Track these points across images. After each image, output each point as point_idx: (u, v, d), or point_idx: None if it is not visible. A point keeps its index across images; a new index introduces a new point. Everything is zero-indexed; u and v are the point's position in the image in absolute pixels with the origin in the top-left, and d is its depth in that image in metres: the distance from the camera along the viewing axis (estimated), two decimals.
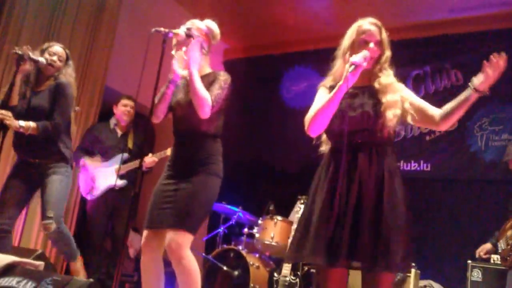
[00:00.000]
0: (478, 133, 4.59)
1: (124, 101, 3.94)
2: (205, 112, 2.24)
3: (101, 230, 3.82)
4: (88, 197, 3.81)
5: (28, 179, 2.94)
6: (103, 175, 3.79)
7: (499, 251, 3.43)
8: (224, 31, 2.58)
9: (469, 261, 3.67)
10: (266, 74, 6.03)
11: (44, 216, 2.84)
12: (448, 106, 1.87)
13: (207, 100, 2.24)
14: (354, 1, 4.70)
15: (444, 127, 1.91)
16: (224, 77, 2.36)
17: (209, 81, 2.35)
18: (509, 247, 3.32)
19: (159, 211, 2.26)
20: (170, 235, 2.19)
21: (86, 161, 3.81)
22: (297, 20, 5.50)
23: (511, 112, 4.45)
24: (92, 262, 3.67)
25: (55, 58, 3.01)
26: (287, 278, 3.73)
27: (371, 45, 1.93)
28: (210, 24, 2.46)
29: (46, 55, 2.99)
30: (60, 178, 2.93)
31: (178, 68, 2.32)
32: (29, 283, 1.44)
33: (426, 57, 5.02)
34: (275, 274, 3.81)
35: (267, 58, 6.09)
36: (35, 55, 2.91)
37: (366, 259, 1.72)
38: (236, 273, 4.00)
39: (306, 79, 5.60)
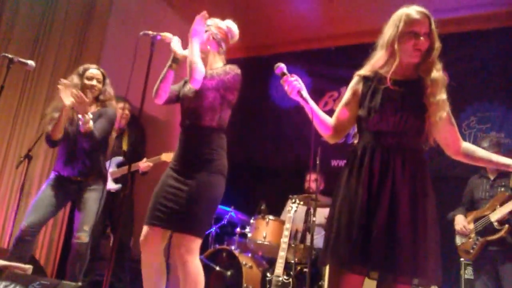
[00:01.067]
0: (466, 131, 4.62)
1: (121, 104, 3.89)
2: (195, 80, 2.22)
3: (96, 232, 3.79)
4: None
5: (66, 194, 3.02)
6: None
7: (458, 245, 3.57)
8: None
9: (462, 259, 3.68)
10: (257, 74, 6.02)
11: (80, 229, 2.90)
12: (480, 153, 1.89)
13: (201, 69, 2.23)
14: (341, 3, 4.70)
15: (458, 158, 1.91)
16: (233, 66, 2.36)
17: (219, 70, 2.33)
18: (471, 240, 3.46)
19: (162, 208, 2.21)
20: (179, 240, 2.15)
21: None
22: (287, 21, 5.49)
23: (498, 111, 4.49)
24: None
25: (94, 82, 3.08)
26: (280, 278, 3.71)
27: (421, 38, 1.78)
28: (230, 25, 2.48)
29: (85, 81, 3.06)
30: (97, 197, 2.99)
31: (178, 48, 2.34)
32: (17, 287, 1.41)
33: None
34: (268, 274, 3.79)
35: (258, 59, 6.08)
36: (72, 80, 3.02)
37: (401, 272, 1.65)
38: (228, 273, 3.98)
39: None
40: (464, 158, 1.88)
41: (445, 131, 1.86)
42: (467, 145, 1.90)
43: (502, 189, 3.50)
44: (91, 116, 2.89)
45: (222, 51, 2.43)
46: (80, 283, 1.46)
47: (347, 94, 1.95)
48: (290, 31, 5.58)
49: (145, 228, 2.25)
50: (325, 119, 1.96)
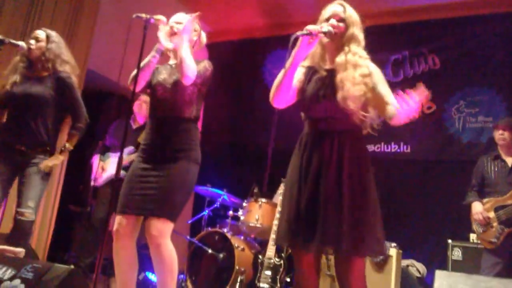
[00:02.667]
0: (455, 115, 4.65)
1: (146, 98, 3.92)
2: (188, 77, 2.24)
3: (103, 217, 3.85)
4: (97, 184, 3.92)
5: (9, 165, 2.80)
6: (111, 166, 3.88)
7: (479, 234, 3.41)
8: (207, 14, 2.54)
9: (450, 241, 3.72)
10: (249, 57, 5.97)
11: (24, 205, 2.70)
12: None
13: (194, 67, 2.25)
14: None
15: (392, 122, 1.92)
16: (208, 62, 2.42)
17: (200, 67, 2.36)
18: (493, 229, 3.32)
19: (136, 197, 2.23)
20: (153, 222, 2.17)
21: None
22: (280, 3, 5.42)
23: (486, 95, 4.52)
24: (90, 247, 3.76)
25: (32, 41, 2.91)
26: (272, 260, 3.73)
27: (332, 20, 1.92)
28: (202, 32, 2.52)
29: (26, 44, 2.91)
30: (44, 173, 2.79)
31: (164, 39, 2.32)
32: (9, 270, 1.39)
33: (404, 42, 5.04)
34: (260, 256, 3.81)
35: (250, 41, 6.02)
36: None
37: (335, 243, 1.74)
38: (221, 255, 3.99)
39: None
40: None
41: (373, 103, 1.90)
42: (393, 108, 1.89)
43: None
44: (72, 143, 2.84)
45: (192, 44, 2.46)
46: (72, 266, 1.44)
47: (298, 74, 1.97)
48: (285, 13, 5.51)
49: (118, 218, 2.26)
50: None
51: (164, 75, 2.38)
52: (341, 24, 1.92)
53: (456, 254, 3.70)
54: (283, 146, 5.30)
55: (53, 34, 2.98)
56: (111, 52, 4.37)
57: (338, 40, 1.92)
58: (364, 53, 1.93)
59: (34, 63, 2.92)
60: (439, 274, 2.91)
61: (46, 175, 2.81)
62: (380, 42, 5.18)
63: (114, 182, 2.14)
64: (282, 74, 1.85)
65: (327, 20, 1.94)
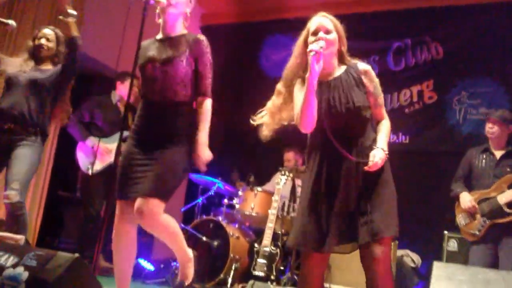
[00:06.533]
0: (456, 106, 4.69)
1: (129, 80, 3.93)
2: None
3: (101, 206, 3.89)
4: (90, 172, 3.86)
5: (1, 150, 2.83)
6: (105, 152, 3.86)
7: (461, 226, 3.48)
8: None
9: (445, 232, 3.79)
10: (245, 42, 5.92)
11: (8, 187, 2.72)
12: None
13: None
14: None
15: None
16: (204, 38, 2.33)
17: (187, 40, 2.28)
18: (476, 221, 3.39)
19: (134, 180, 2.19)
20: (141, 202, 2.10)
21: (94, 141, 3.90)
22: None
23: (488, 86, 4.55)
24: (90, 236, 3.77)
25: (42, 41, 3.05)
26: (268, 249, 3.78)
27: (321, 33, 1.98)
28: None
29: (35, 42, 3.07)
30: (31, 152, 2.83)
31: None
32: (11, 257, 1.40)
33: (407, 29, 5.01)
34: (256, 245, 3.85)
35: (246, 25, 5.97)
36: (27, 44, 3.10)
37: (352, 237, 1.86)
38: (215, 243, 4.03)
39: (286, 48, 5.52)
40: None
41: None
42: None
43: (508, 169, 3.40)
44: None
45: (187, 16, 2.39)
46: (77, 254, 1.45)
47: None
48: None
49: (118, 203, 2.24)
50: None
51: (153, 52, 2.28)
52: (331, 36, 2.00)
53: (452, 245, 3.77)
54: (279, 134, 5.35)
55: (61, 34, 3.12)
56: (106, 35, 4.32)
57: (333, 52, 2.02)
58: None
59: (42, 59, 3.07)
60: (436, 265, 2.98)
61: (36, 157, 2.84)
62: (382, 29, 5.20)
63: (113, 169, 2.14)
64: (305, 100, 1.91)
65: (314, 33, 2.00)
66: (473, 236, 3.40)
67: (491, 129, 3.53)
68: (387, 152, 1.92)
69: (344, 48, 2.06)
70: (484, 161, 3.53)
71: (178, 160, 2.21)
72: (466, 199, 3.45)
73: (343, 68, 2.06)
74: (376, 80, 2.04)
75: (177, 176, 2.23)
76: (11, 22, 2.87)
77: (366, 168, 1.86)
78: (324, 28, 2.00)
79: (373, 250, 1.82)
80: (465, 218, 3.47)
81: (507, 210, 3.26)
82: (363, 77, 2.01)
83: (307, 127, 1.96)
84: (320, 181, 1.94)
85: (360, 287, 2.13)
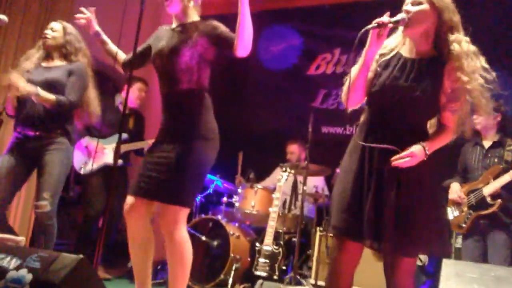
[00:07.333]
0: None
1: (140, 85, 4.14)
2: (245, 48, 2.19)
3: (100, 207, 3.91)
4: (82, 171, 3.90)
5: (25, 156, 2.89)
6: (100, 152, 3.90)
7: (451, 218, 3.53)
8: None
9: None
10: None
11: (40, 197, 2.79)
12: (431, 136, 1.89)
13: (251, 32, 2.18)
14: None
15: None
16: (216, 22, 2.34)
17: (197, 26, 2.29)
18: (463, 213, 3.45)
19: (146, 179, 2.20)
20: (164, 210, 2.16)
21: (88, 140, 3.95)
22: None
23: (498, 77, 4.52)
24: (88, 237, 3.83)
25: (48, 31, 3.06)
26: (270, 248, 3.79)
27: (408, 6, 1.83)
28: None
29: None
30: (61, 158, 2.88)
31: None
32: (14, 259, 1.39)
33: None
34: (257, 244, 3.86)
35: None
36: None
37: (386, 242, 1.74)
38: (215, 243, 4.03)
39: (285, 39, 5.53)
40: None
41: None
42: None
43: (496, 160, 3.47)
44: (39, 91, 2.81)
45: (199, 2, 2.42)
46: (81, 255, 1.45)
47: None
48: None
49: (129, 198, 2.25)
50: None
51: (163, 42, 2.31)
52: (419, 8, 1.81)
53: (459, 241, 3.77)
54: (279, 130, 5.36)
55: (69, 26, 3.11)
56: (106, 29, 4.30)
57: (423, 27, 1.83)
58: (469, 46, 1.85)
59: (50, 54, 3.07)
60: (446, 263, 2.99)
61: (66, 160, 2.88)
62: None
63: (111, 170, 2.14)
64: (355, 74, 1.82)
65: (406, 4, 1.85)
66: (460, 228, 3.48)
67: (475, 120, 3.53)
68: (427, 153, 1.75)
69: (444, 29, 1.81)
70: (474, 153, 3.59)
71: (195, 158, 2.20)
72: (454, 189, 3.53)
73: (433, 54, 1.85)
74: (463, 85, 1.79)
75: (197, 176, 2.25)
76: (2, 17, 2.85)
77: (393, 159, 1.72)
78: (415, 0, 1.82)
79: (399, 264, 1.80)
80: (454, 211, 3.54)
81: (490, 202, 3.34)
82: (446, 75, 1.81)
83: (350, 102, 1.87)
84: (364, 164, 1.81)
85: None
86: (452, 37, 1.81)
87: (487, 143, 3.58)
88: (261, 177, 4.68)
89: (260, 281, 3.16)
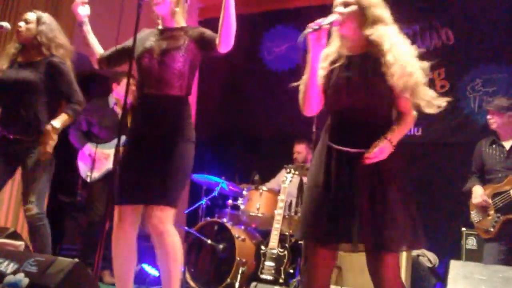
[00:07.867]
0: (471, 94, 4.65)
1: (126, 79, 3.99)
2: (228, 44, 2.25)
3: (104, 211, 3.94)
4: (88, 180, 3.92)
5: (8, 156, 2.87)
6: (102, 158, 3.91)
7: (475, 222, 3.48)
8: None
9: (463, 229, 3.75)
10: (245, 34, 5.92)
11: (26, 200, 2.80)
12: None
13: (234, 28, 2.24)
14: None
15: None
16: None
17: (186, 32, 2.35)
18: (490, 217, 3.38)
19: (132, 185, 2.25)
20: (152, 211, 2.20)
21: (90, 148, 3.94)
22: None
23: (503, 72, 4.49)
24: (93, 242, 3.77)
25: (21, 23, 2.94)
26: (275, 251, 3.80)
27: (338, 7, 1.93)
28: None
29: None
30: (46, 161, 2.85)
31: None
32: (11, 264, 1.44)
33: (414, 15, 4.95)
34: (262, 247, 3.88)
35: (245, 17, 5.97)
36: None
37: (364, 240, 1.80)
38: (220, 246, 4.06)
39: (287, 40, 5.56)
40: None
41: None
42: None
43: None
44: (55, 126, 2.80)
45: (186, 7, 2.47)
46: (76, 259, 1.49)
47: None
48: None
49: (117, 208, 2.29)
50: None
51: (151, 42, 2.34)
52: (349, 9, 1.91)
53: (470, 243, 3.73)
54: (283, 131, 5.38)
55: (44, 15, 3.00)
56: (98, 31, 4.36)
57: (354, 25, 1.92)
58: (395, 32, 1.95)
59: (26, 48, 2.96)
60: (454, 264, 3.00)
61: (49, 164, 2.86)
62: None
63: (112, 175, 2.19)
64: (305, 81, 1.90)
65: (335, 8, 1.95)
66: (487, 233, 3.38)
67: (490, 120, 3.53)
68: (393, 144, 1.84)
69: (366, 24, 1.90)
70: (493, 153, 3.51)
71: (180, 160, 2.26)
72: (478, 193, 3.44)
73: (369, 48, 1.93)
74: (400, 70, 1.84)
75: (183, 177, 2.31)
76: (5, 24, 2.91)
77: (365, 157, 1.79)
78: (343, 1, 1.93)
79: (384, 261, 1.82)
80: (478, 214, 3.45)
81: None
82: (384, 68, 1.87)
83: (307, 110, 1.97)
84: (330, 169, 1.88)
85: None
86: (378, 30, 1.90)
87: (507, 144, 3.49)
88: (266, 179, 4.71)
89: (254, 284, 3.18)
